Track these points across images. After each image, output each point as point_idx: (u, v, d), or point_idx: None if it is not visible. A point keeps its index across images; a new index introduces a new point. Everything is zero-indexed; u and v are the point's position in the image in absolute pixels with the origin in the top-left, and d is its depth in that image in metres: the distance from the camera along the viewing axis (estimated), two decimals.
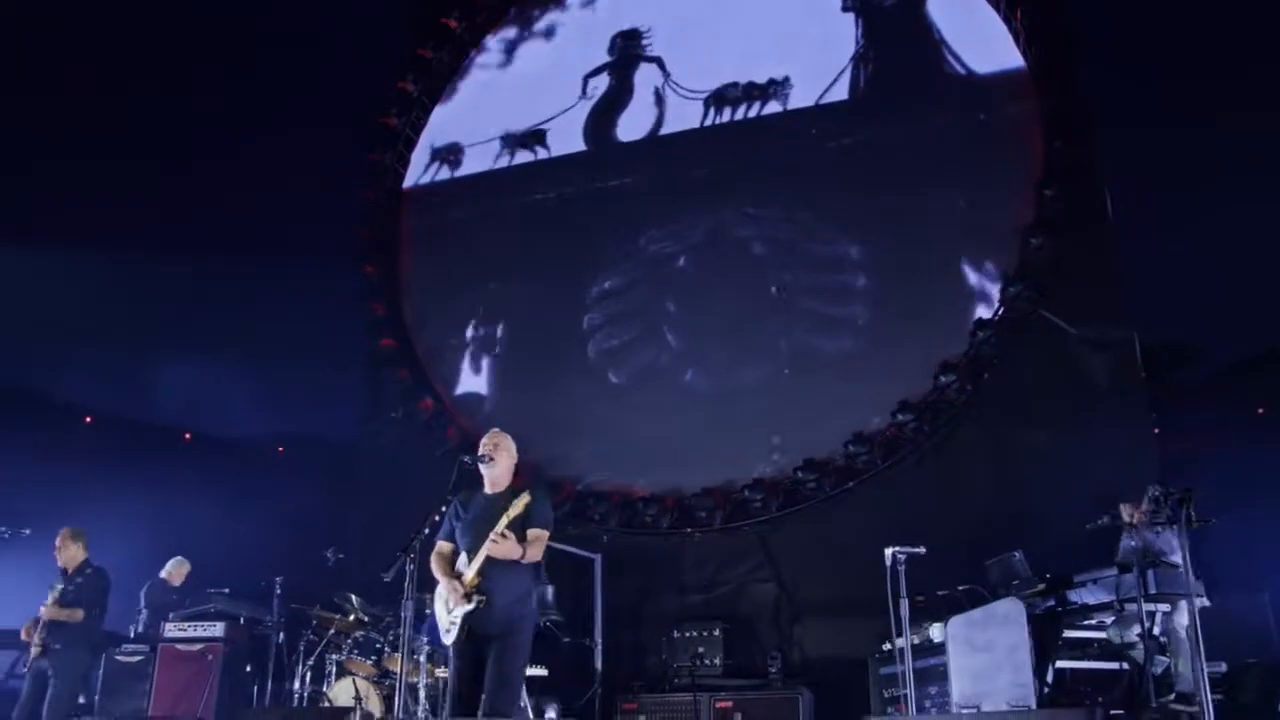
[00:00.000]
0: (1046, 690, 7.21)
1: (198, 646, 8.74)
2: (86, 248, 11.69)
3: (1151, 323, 10.88)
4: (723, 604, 10.91)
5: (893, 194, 11.32)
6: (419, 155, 13.63)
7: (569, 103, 12.98)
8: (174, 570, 9.83)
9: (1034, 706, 6.01)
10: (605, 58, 13.04)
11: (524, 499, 5.42)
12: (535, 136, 12.95)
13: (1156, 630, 7.04)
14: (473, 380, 12.61)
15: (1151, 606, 6.99)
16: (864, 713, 7.72)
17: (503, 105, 13.40)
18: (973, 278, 11.01)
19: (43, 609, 7.92)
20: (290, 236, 12.22)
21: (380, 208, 13.28)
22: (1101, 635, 7.36)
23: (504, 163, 13.14)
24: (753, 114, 12.26)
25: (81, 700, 8.79)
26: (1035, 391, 10.49)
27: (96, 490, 10.37)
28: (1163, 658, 7.16)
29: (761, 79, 12.28)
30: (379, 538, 8.58)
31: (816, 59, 12.06)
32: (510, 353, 12.54)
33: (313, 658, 8.58)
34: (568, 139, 12.95)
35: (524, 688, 6.58)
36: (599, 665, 9.65)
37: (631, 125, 12.74)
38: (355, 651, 8.46)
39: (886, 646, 7.81)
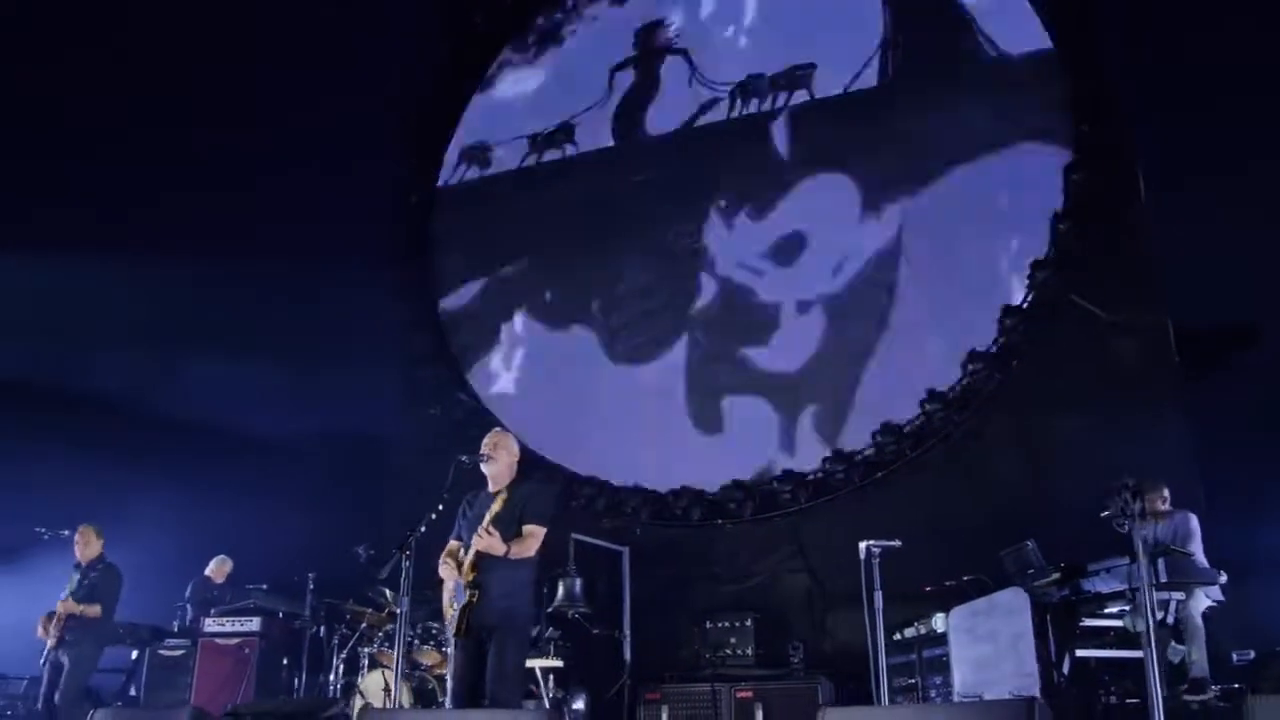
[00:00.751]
0: (1063, 680, 7.24)
1: (235, 641, 9.07)
2: (126, 251, 12.06)
3: (1188, 306, 10.70)
4: (755, 595, 10.97)
5: (920, 180, 11.26)
6: (450, 154, 13.81)
7: (597, 98, 13.07)
8: (216, 568, 10.17)
9: (1038, 696, 6.02)
10: (631, 52, 13.10)
11: (502, 496, 5.59)
12: (564, 133, 13.06)
13: (1171, 618, 6.99)
14: (505, 376, 12.78)
15: (1166, 595, 6.95)
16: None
17: (531, 103, 13.56)
18: (1003, 264, 10.90)
19: (60, 604, 8.26)
20: (324, 237, 12.44)
21: (414, 208, 13.49)
22: (1119, 624, 7.31)
23: (532, 161, 13.27)
24: (780, 105, 12.25)
25: (133, 692, 9.20)
26: (1066, 379, 10.37)
27: (140, 490, 10.72)
28: (1181, 646, 7.12)
29: (788, 67, 12.25)
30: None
31: (844, 46, 12.01)
32: (541, 349, 12.68)
33: (345, 650, 8.82)
34: (596, 135, 13.05)
35: (528, 677, 6.72)
36: (628, 656, 9.77)
37: (660, 119, 12.80)
38: (386, 644, 8.69)
39: (896, 636, 7.84)
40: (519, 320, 12.86)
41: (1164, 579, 6.71)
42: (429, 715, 5.68)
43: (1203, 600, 7.18)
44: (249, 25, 12.75)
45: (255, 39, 12.85)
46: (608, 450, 11.93)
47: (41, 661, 8.42)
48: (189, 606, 9.91)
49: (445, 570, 5.78)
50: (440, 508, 5.82)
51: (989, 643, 6.24)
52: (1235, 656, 7.97)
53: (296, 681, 9.07)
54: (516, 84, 13.84)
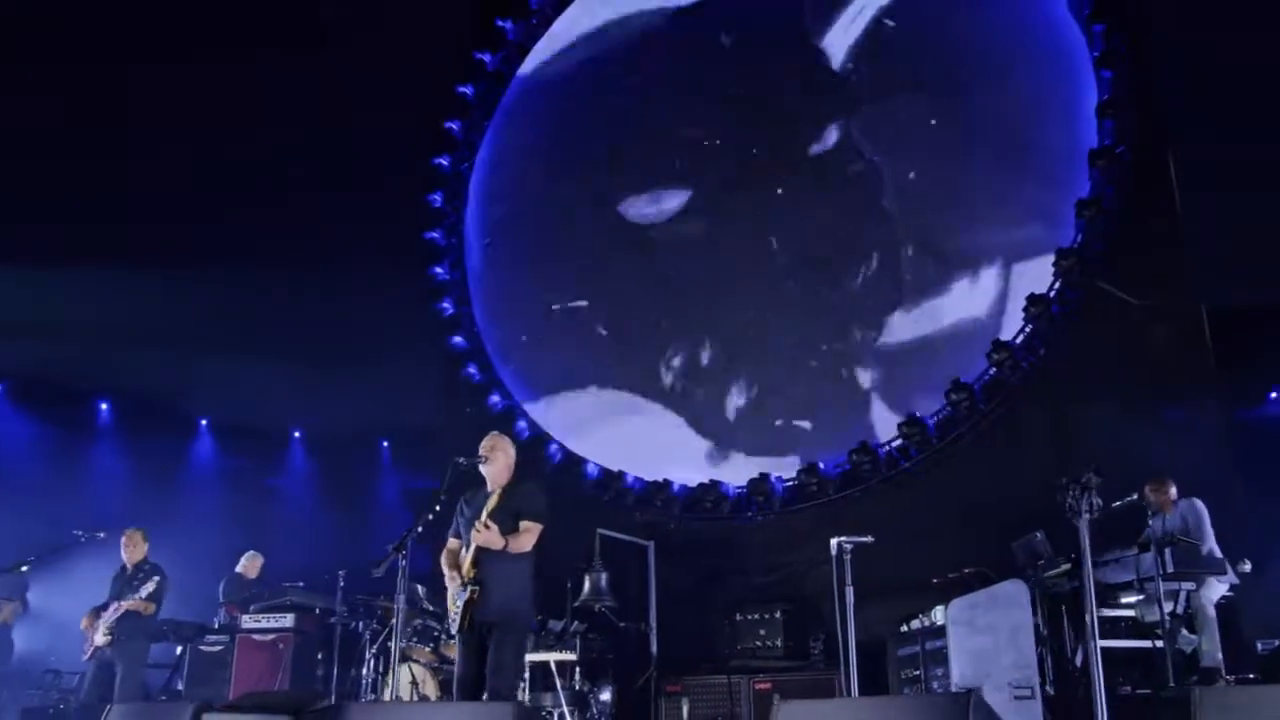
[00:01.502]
0: (1076, 671, 7.24)
1: (271, 636, 9.38)
2: (175, 262, 12.46)
3: (1221, 290, 10.54)
4: (785, 587, 11.04)
5: (942, 165, 11.21)
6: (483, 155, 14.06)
7: None
8: (248, 564, 10.50)
9: (1036, 688, 6.04)
10: None
11: (497, 493, 5.75)
12: None
13: (1180, 609, 6.96)
14: (539, 373, 12.99)
15: (1175, 585, 6.92)
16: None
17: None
18: (1029, 251, 10.81)
19: (124, 602, 8.52)
20: (360, 240, 12.76)
21: (450, 209, 13.77)
22: (1131, 614, 7.29)
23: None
24: None
25: (178, 686, 9.57)
26: (1096, 366, 10.26)
27: (180, 490, 11.14)
28: (1193, 636, 7.08)
29: None
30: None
31: None
32: (574, 347, 12.85)
33: (376, 645, 9.08)
34: None
35: (525, 671, 6.89)
36: (654, 649, 9.91)
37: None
38: (415, 639, 8.93)
39: (903, 629, 7.87)
40: (551, 317, 13.04)
41: (1170, 569, 6.66)
42: (396, 708, 5.83)
43: (1216, 589, 7.12)
44: (278, 33, 13.03)
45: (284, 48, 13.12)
46: (639, 445, 12.07)
47: (86, 657, 8.71)
48: (224, 602, 10.24)
49: (446, 567, 5.98)
50: (438, 508, 6.01)
51: (988, 635, 6.27)
52: (1260, 645, 7.90)
53: (330, 675, 9.33)
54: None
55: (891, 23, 11.81)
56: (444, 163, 13.86)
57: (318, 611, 9.80)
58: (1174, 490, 7.82)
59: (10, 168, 11.75)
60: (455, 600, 5.91)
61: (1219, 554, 7.33)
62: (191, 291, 12.70)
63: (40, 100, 12.21)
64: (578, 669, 9.29)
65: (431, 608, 9.27)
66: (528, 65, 14.03)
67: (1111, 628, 7.40)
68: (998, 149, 11.06)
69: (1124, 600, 7.50)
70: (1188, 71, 10.90)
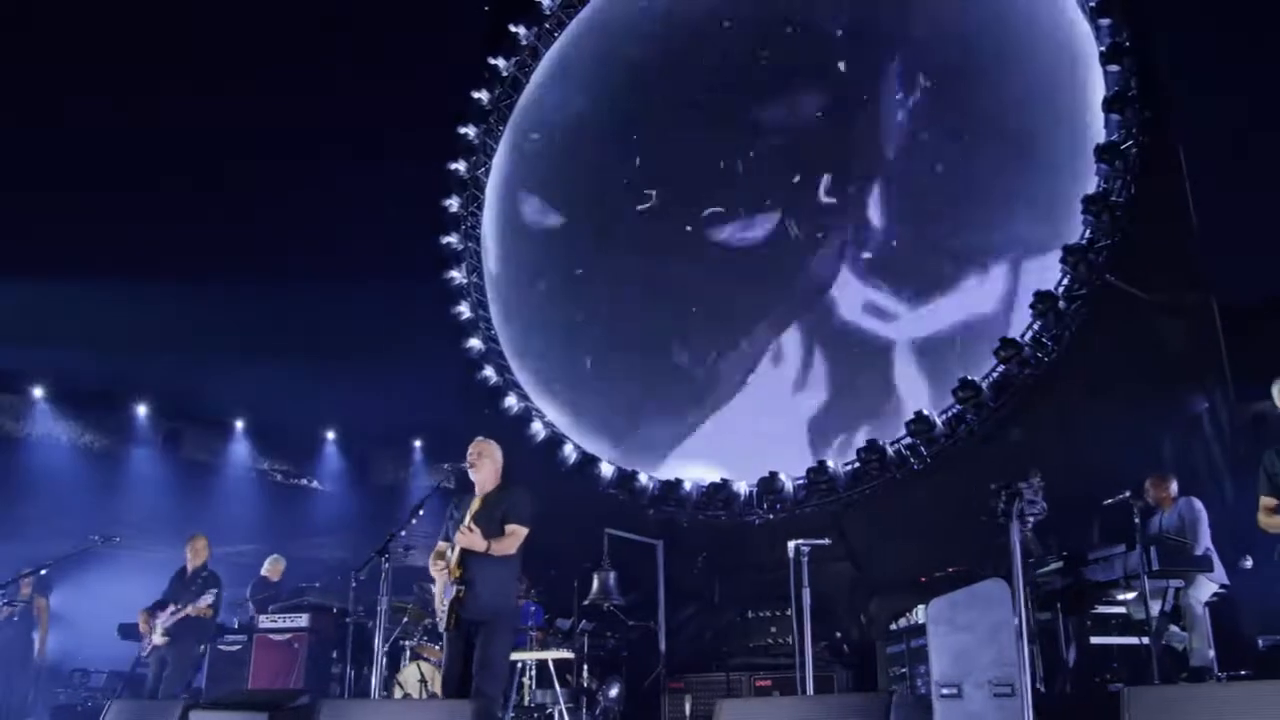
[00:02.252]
0: (1069, 666, 7.29)
1: (287, 635, 9.65)
2: (205, 272, 12.80)
3: (1233, 284, 10.45)
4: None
5: (949, 162, 11.22)
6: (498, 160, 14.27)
7: None
8: (271, 567, 10.77)
9: (1016, 685, 6.10)
10: None
11: (480, 498, 5.92)
12: None
13: (1169, 607, 6.98)
14: (553, 376, 13.17)
15: (1163, 583, 6.95)
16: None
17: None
18: (1037, 248, 10.80)
19: (187, 607, 8.94)
20: (383, 248, 13.03)
21: (466, 213, 13.99)
22: (1122, 611, 7.32)
23: None
24: None
25: (201, 684, 9.86)
26: (1105, 362, 10.25)
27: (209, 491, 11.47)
28: (1183, 632, 7.10)
29: None
30: None
31: None
32: (588, 349, 13.01)
33: (388, 644, 9.30)
34: None
35: (509, 669, 7.05)
36: (662, 646, 10.05)
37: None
38: (425, 638, 9.14)
39: (892, 627, 7.94)
40: (564, 319, 13.22)
41: (1155, 566, 6.69)
42: (365, 705, 6.02)
43: (1205, 589, 7.12)
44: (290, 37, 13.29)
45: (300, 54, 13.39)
46: (652, 445, 12.22)
47: (145, 655, 9.08)
48: (251, 604, 10.54)
49: (435, 569, 6.15)
50: (421, 513, 6.19)
51: (968, 633, 6.33)
52: (1261, 642, 7.87)
53: (344, 673, 9.58)
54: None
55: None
56: (460, 167, 14.06)
57: (335, 611, 10.04)
58: (1174, 487, 7.82)
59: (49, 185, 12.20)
60: (443, 600, 6.08)
61: (1213, 554, 7.33)
62: (222, 300, 13.01)
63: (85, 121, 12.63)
64: (585, 666, 9.46)
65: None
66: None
67: (1103, 625, 7.43)
68: (1005, 145, 11.03)
69: (1120, 598, 7.51)
70: (1196, 66, 10.84)
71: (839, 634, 10.06)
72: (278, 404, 13.02)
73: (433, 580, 6.26)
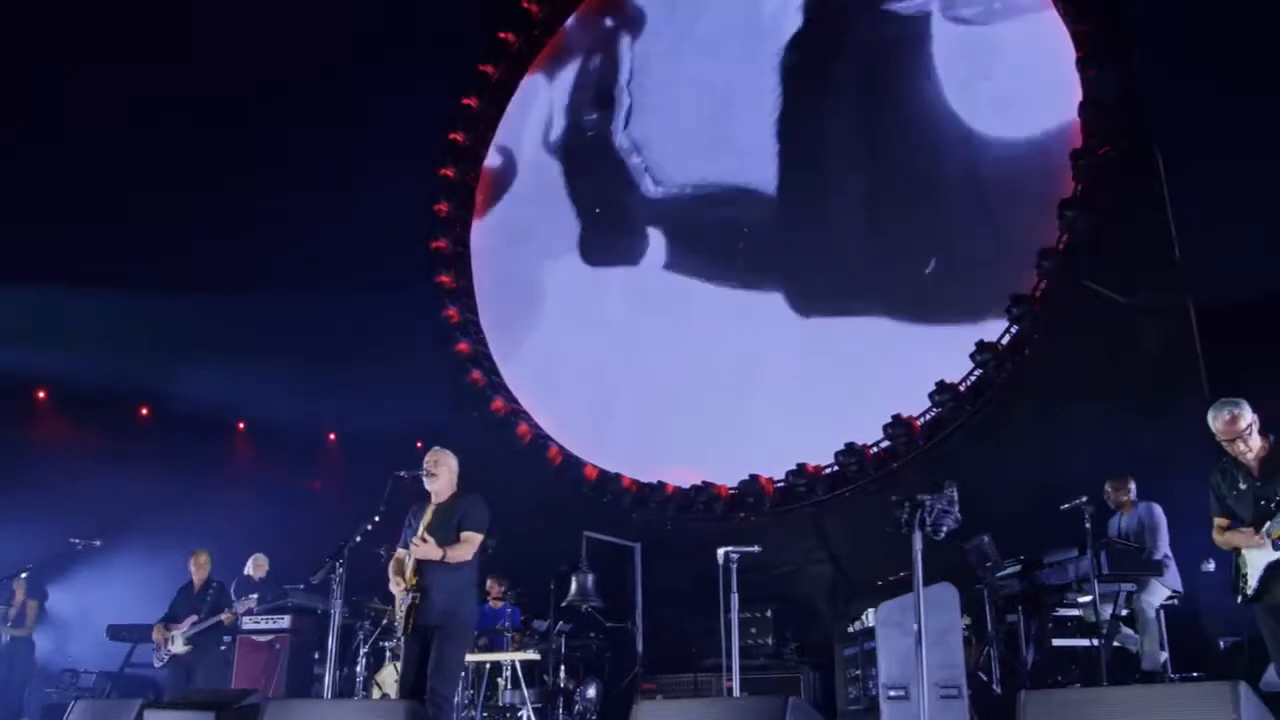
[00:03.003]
0: (1026, 668, 7.40)
1: (269, 637, 9.86)
2: (202, 280, 13.02)
3: (1210, 287, 10.49)
4: (777, 586, 11.25)
5: (924, 166, 11.32)
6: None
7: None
8: (254, 566, 10.93)
9: (964, 688, 6.23)
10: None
11: (433, 507, 6.08)
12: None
13: (1121, 610, 7.09)
14: (540, 380, 13.32)
15: (1115, 586, 7.05)
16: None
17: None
18: (1014, 252, 10.87)
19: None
20: (371, 250, 13.20)
21: (454, 219, 14.16)
22: (1078, 613, 7.43)
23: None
24: None
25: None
26: (1083, 365, 10.31)
27: (197, 492, 11.68)
28: (1137, 636, 7.21)
29: None
30: None
31: None
32: (573, 355, 13.16)
33: (369, 645, 9.49)
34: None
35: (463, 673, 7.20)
36: (639, 648, 10.18)
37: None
38: (402, 640, 9.28)
39: (850, 629, 8.05)
40: (551, 326, 13.37)
41: (1106, 571, 6.80)
42: (307, 705, 6.18)
43: (1159, 593, 7.23)
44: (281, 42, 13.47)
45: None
46: (635, 448, 12.35)
47: (160, 665, 9.47)
48: (235, 603, 10.72)
49: (393, 576, 6.34)
50: (376, 519, 6.35)
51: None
52: (1222, 643, 7.96)
53: (324, 674, 9.73)
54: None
55: None
56: (450, 173, 14.23)
57: (319, 613, 10.22)
58: (1133, 488, 7.92)
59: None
60: (400, 605, 6.25)
61: (1170, 561, 7.43)
62: (217, 305, 13.22)
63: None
64: (562, 667, 9.62)
65: None
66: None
67: (1061, 628, 7.54)
68: (981, 147, 11.12)
69: (1082, 601, 7.60)
70: (1175, 70, 10.88)
71: (787, 636, 10.18)
72: (274, 406, 13.19)
73: None
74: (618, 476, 12.17)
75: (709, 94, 12.85)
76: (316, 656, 9.85)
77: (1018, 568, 7.50)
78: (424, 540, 6.12)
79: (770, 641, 10.39)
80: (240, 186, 13.46)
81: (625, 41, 13.74)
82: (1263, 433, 5.69)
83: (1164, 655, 7.13)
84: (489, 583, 10.30)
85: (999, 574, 7.58)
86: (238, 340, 13.31)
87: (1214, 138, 10.83)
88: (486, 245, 14.28)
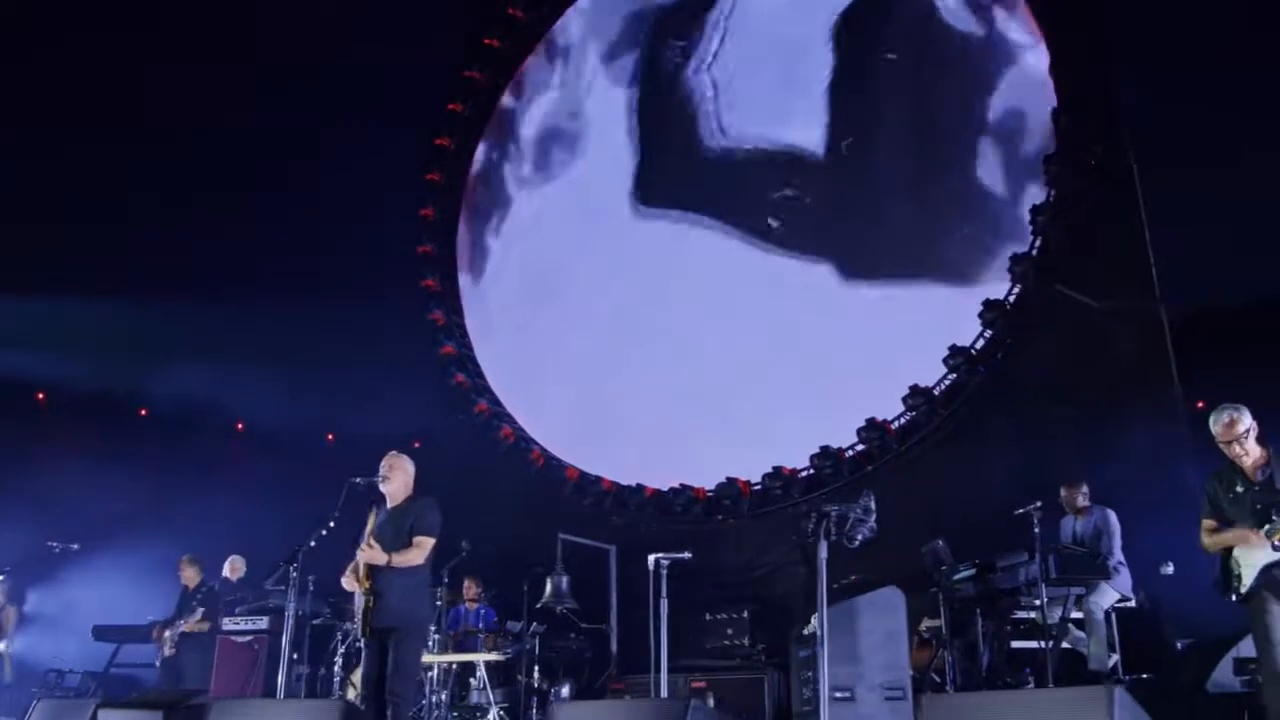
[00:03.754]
0: (983, 669, 7.53)
1: (248, 638, 10.05)
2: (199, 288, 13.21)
3: (1184, 292, 10.56)
4: (754, 587, 11.38)
5: (903, 170, 11.43)
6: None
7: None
8: (231, 567, 11.11)
9: (908, 690, 6.36)
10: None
11: (373, 514, 6.25)
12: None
13: (1070, 613, 7.21)
14: (524, 382, 13.48)
15: (1065, 589, 7.18)
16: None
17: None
18: (988, 257, 10.96)
19: (186, 624, 10.02)
20: (359, 253, 13.37)
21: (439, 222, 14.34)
22: (1032, 616, 7.55)
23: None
24: None
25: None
26: (1058, 370, 10.38)
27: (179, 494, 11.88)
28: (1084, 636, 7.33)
29: None
30: None
31: None
32: (557, 359, 13.31)
33: (345, 645, 9.66)
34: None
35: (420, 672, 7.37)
36: (614, 648, 10.33)
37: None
38: None
39: (805, 631, 8.17)
40: (534, 330, 13.52)
41: (1054, 575, 6.92)
42: (249, 705, 6.36)
43: (1108, 596, 7.35)
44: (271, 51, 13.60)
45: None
46: (616, 452, 12.50)
47: (158, 664, 10.12)
48: (221, 607, 10.90)
49: (347, 580, 6.51)
50: (331, 524, 6.51)
51: (864, 638, 6.59)
52: (1180, 645, 8.06)
53: (302, 674, 9.93)
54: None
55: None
56: (436, 177, 14.41)
57: (300, 614, 10.37)
58: (1086, 491, 8.04)
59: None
60: (358, 609, 6.42)
61: (1123, 566, 7.55)
62: (207, 310, 13.38)
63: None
64: (536, 668, 9.77)
65: None
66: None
67: (1013, 629, 7.66)
68: (956, 153, 11.22)
69: (1038, 603, 7.71)
70: (1149, 76, 10.96)
71: (758, 637, 10.30)
72: (262, 408, 13.35)
73: None
74: (598, 479, 12.33)
75: (779, 50, 12.68)
76: (295, 656, 9.99)
77: (973, 571, 7.62)
78: (370, 545, 6.27)
79: (746, 642, 10.51)
80: (228, 188, 13.58)
81: None
82: (1261, 441, 5.74)
83: (1115, 657, 7.26)
84: (465, 583, 10.44)
85: (956, 577, 7.70)
86: (226, 342, 13.44)
87: (1188, 143, 10.91)
88: (471, 246, 14.44)
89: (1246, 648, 6.46)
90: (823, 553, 5.20)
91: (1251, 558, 5.47)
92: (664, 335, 12.52)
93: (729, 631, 10.68)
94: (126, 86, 13.33)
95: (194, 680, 9.69)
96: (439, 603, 9.50)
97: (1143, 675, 7.15)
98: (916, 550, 9.66)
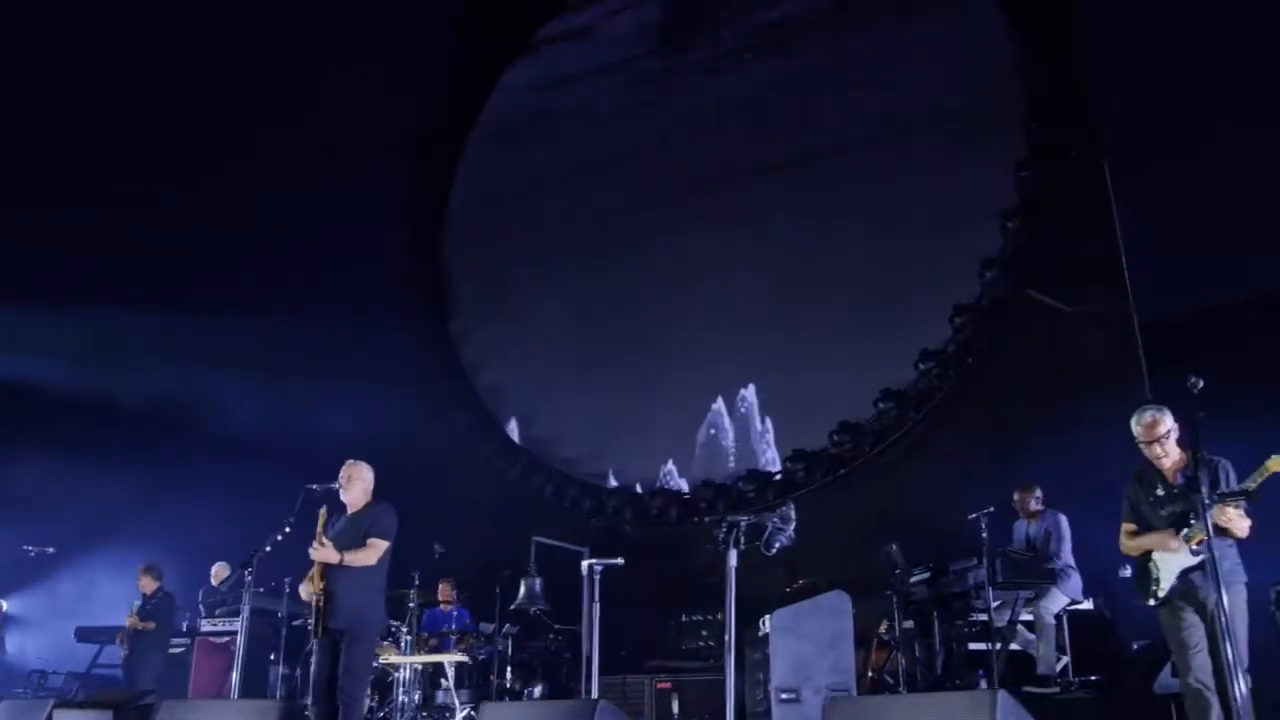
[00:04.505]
0: (939, 669, 7.66)
1: (225, 639, 10.23)
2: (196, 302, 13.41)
3: (1155, 297, 10.63)
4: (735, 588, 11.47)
5: (874, 174, 11.55)
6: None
7: None
8: (215, 573, 11.29)
9: (853, 691, 6.48)
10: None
11: (322, 514, 6.41)
12: None
13: (1018, 616, 7.33)
14: (507, 387, 13.64)
15: (1014, 593, 7.30)
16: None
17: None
18: (959, 262, 11.05)
19: (127, 620, 10.29)
20: (342, 264, 13.53)
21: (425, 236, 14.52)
22: (983, 618, 7.67)
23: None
24: None
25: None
26: (1030, 374, 10.46)
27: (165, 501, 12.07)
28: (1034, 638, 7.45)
29: None
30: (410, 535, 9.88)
31: None
32: (541, 362, 13.47)
33: None
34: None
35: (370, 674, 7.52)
36: (585, 650, 10.44)
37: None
38: None
39: (760, 633, 8.30)
40: (513, 334, 13.68)
41: (1000, 579, 7.04)
42: (195, 705, 6.52)
43: (1057, 600, 7.46)
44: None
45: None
46: (599, 456, 12.65)
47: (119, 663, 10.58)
48: (201, 609, 11.12)
49: (304, 588, 6.67)
50: (287, 530, 6.66)
51: (810, 641, 6.73)
52: (1135, 645, 8.17)
53: (280, 675, 10.11)
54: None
55: None
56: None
57: (280, 615, 10.55)
58: (1039, 495, 8.15)
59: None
60: (311, 609, 6.58)
61: (1073, 570, 7.66)
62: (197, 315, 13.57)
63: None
64: (509, 669, 9.93)
65: None
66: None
67: (965, 632, 7.78)
68: (927, 155, 11.32)
69: (994, 606, 7.83)
70: (1122, 82, 11.03)
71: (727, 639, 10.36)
72: (244, 414, 13.51)
73: None
74: (580, 482, 12.46)
75: None
76: (272, 658, 10.18)
77: (928, 575, 7.75)
78: (322, 544, 6.43)
79: (720, 643, 10.62)
80: (208, 191, 13.74)
81: None
82: (1181, 444, 5.77)
83: (1065, 659, 7.37)
84: (440, 586, 10.59)
85: (911, 581, 7.83)
86: (205, 346, 13.63)
87: (1160, 146, 11.00)
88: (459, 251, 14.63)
89: None
90: (731, 561, 5.32)
91: (1169, 562, 5.54)
92: (644, 334, 12.67)
93: (703, 633, 10.79)
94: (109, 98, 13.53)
95: (149, 680, 9.96)
96: (411, 605, 9.67)
97: (1093, 677, 7.24)
98: (868, 555, 9.83)
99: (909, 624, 8.36)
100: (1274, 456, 5.19)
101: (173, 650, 10.57)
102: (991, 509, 7.68)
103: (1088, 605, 7.83)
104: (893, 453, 11.00)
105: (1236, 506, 5.25)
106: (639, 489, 12.25)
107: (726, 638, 5.13)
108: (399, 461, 13.48)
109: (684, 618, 11.00)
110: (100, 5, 13.49)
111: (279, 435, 13.62)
